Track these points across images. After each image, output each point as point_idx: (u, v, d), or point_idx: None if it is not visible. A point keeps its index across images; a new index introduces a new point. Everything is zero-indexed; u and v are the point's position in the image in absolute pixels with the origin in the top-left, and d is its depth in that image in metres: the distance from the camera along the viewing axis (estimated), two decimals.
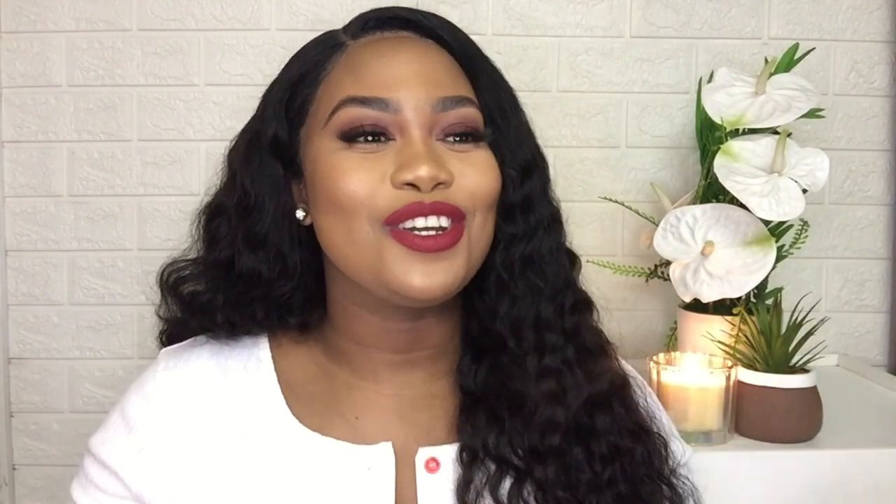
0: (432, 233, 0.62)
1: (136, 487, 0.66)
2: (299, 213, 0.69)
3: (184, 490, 0.66)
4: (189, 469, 0.66)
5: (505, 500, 0.65)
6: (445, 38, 0.69)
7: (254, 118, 0.72)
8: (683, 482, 0.72)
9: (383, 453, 0.66)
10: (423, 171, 0.61)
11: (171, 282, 0.73)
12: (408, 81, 0.64)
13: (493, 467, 0.66)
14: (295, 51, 0.72)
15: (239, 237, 0.69)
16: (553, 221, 0.71)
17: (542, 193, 0.71)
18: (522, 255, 0.68)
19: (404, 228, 0.62)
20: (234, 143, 0.73)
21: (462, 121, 0.65)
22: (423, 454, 0.67)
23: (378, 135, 0.64)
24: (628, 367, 0.77)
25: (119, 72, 1.33)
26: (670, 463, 0.71)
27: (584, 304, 0.72)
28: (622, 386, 0.72)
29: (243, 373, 0.70)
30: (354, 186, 0.62)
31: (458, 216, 0.63)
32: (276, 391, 0.69)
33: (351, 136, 0.64)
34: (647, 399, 0.76)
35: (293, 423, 0.68)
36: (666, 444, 0.72)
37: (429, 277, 0.62)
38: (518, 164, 0.69)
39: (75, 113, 1.33)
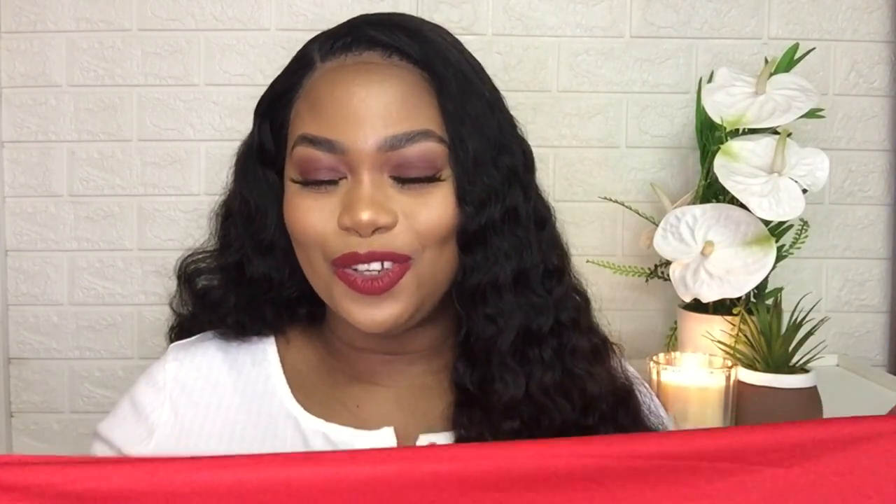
0: (375, 273, 0.63)
1: None
2: None
3: None
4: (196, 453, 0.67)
5: None
6: (414, 56, 0.66)
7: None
8: None
9: (385, 438, 0.68)
10: (362, 216, 0.62)
11: (190, 272, 0.74)
12: (356, 120, 0.63)
13: None
14: (295, 51, 0.72)
15: (247, 244, 0.71)
16: (520, 248, 0.67)
17: (504, 220, 0.66)
18: (478, 287, 0.66)
19: (347, 269, 0.64)
20: (240, 146, 0.74)
21: (418, 158, 0.64)
22: (425, 439, 0.68)
23: (327, 177, 0.64)
24: (631, 368, 0.77)
25: (119, 72, 1.33)
26: None
27: (571, 324, 0.69)
28: (628, 394, 0.70)
29: (250, 365, 0.73)
30: (307, 225, 0.65)
31: (398, 259, 0.63)
32: (281, 381, 0.71)
33: (304, 175, 0.65)
34: (653, 399, 0.76)
35: (298, 409, 0.69)
36: None
37: (371, 318, 0.64)
38: (476, 196, 0.65)
39: (75, 113, 1.33)
